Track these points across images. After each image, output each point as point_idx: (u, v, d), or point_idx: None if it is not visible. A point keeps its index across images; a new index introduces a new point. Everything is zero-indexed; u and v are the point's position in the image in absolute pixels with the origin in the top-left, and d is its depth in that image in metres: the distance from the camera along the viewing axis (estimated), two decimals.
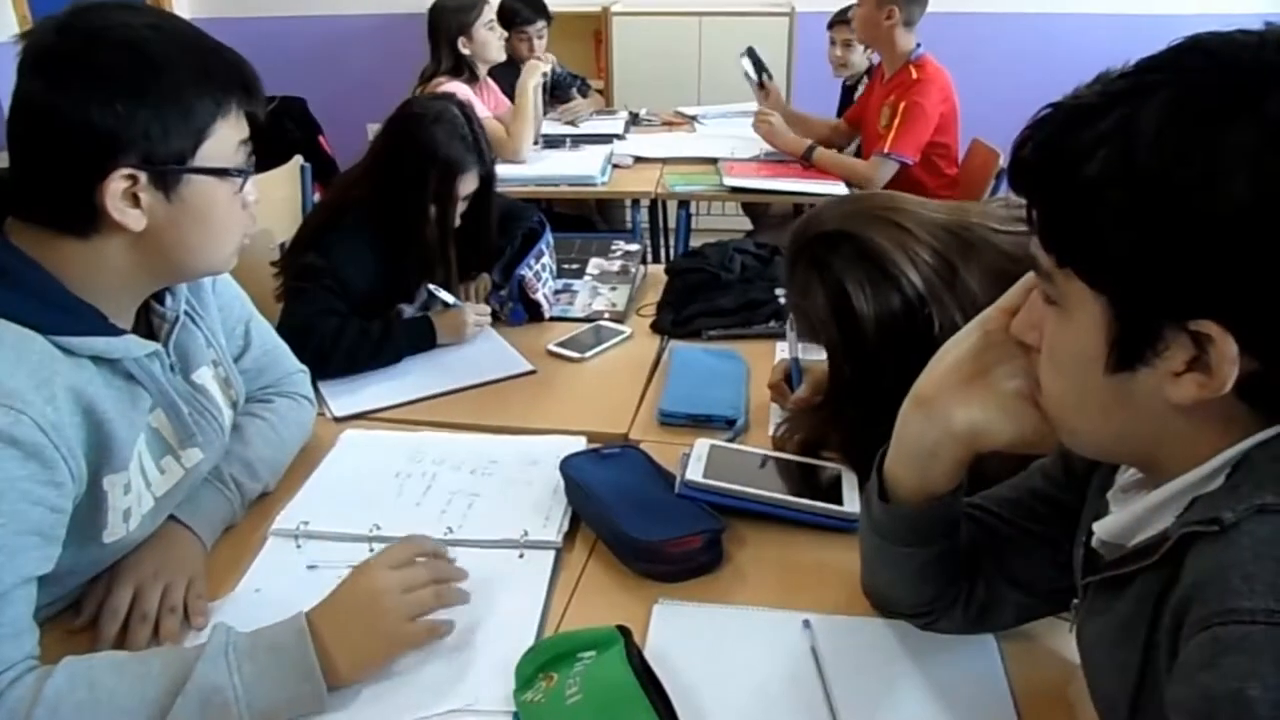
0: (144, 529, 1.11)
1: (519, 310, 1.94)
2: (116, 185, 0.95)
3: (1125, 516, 0.77)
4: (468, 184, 1.87)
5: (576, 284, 2.15)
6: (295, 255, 1.85)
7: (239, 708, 0.90)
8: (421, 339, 1.83)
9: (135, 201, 0.98)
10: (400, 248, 1.84)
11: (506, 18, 3.79)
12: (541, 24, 3.93)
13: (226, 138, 1.03)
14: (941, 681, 1.01)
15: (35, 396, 0.91)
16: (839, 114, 4.00)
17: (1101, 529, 0.79)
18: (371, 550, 1.20)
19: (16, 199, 0.98)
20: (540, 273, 1.98)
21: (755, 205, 3.65)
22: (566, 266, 2.24)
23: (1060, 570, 0.94)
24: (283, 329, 1.52)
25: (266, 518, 1.27)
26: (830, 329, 1.23)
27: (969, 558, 1.01)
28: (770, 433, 1.47)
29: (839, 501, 1.26)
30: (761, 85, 3.59)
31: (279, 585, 1.15)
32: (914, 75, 3.18)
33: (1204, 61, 0.64)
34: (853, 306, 1.18)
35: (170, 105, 0.97)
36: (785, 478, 1.32)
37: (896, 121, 3.13)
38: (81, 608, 1.09)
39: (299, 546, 1.22)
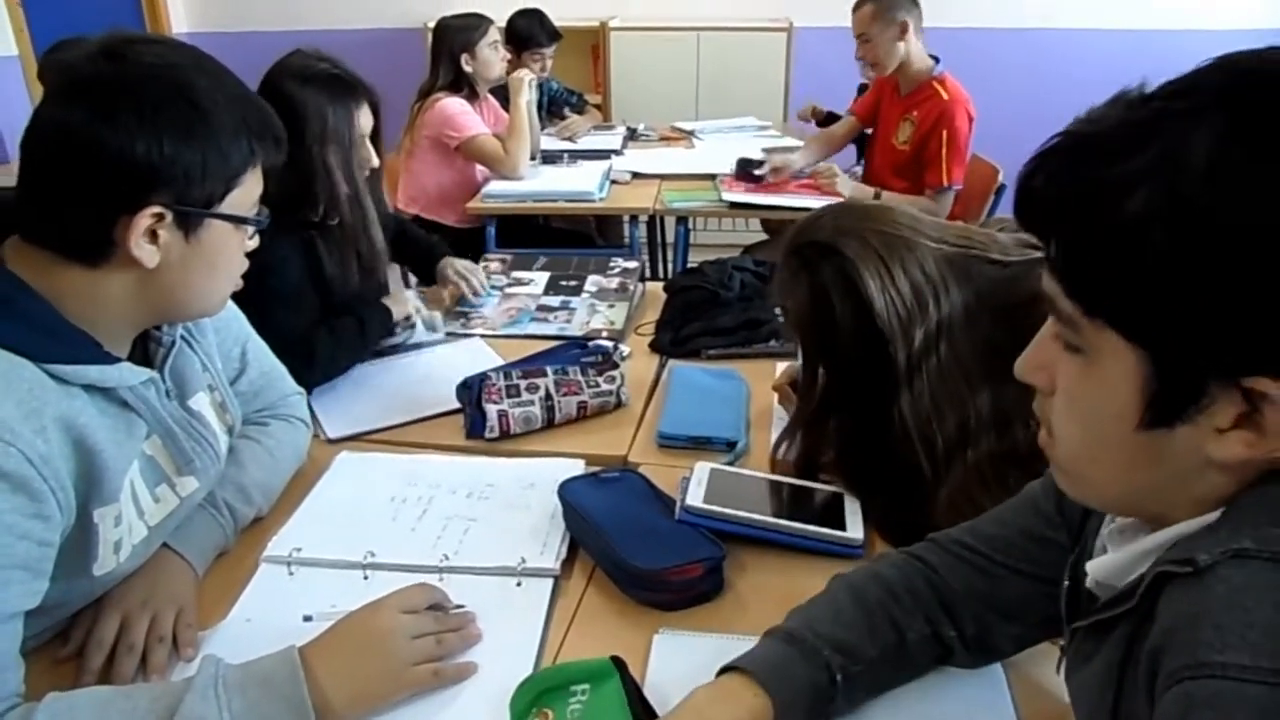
0: (135, 560, 1.08)
1: (477, 419, 1.54)
2: (143, 221, 0.95)
3: (1122, 557, 0.72)
4: (364, 122, 1.80)
5: (574, 301, 2.14)
6: None
7: None
8: (384, 324, 1.86)
9: (154, 238, 0.97)
10: (326, 232, 1.78)
11: (520, 41, 3.82)
12: (554, 47, 3.94)
13: (251, 187, 1.05)
14: (948, 711, 0.99)
15: (24, 427, 0.89)
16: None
17: (1095, 569, 0.75)
18: (366, 578, 1.18)
19: (24, 220, 0.97)
20: (516, 389, 1.56)
21: (771, 221, 3.60)
22: (564, 284, 2.23)
23: (1054, 602, 0.92)
24: (277, 346, 1.50)
25: (259, 543, 1.25)
26: (806, 333, 1.27)
27: (957, 598, 0.99)
28: (770, 454, 1.45)
29: (841, 526, 1.24)
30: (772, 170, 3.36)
31: (271, 614, 1.12)
32: (944, 95, 3.12)
33: (1259, 85, 0.57)
34: (829, 317, 1.21)
35: (212, 149, 0.98)
36: (786, 502, 1.30)
37: (945, 152, 3.08)
38: (68, 637, 1.07)
39: (291, 574, 1.20)
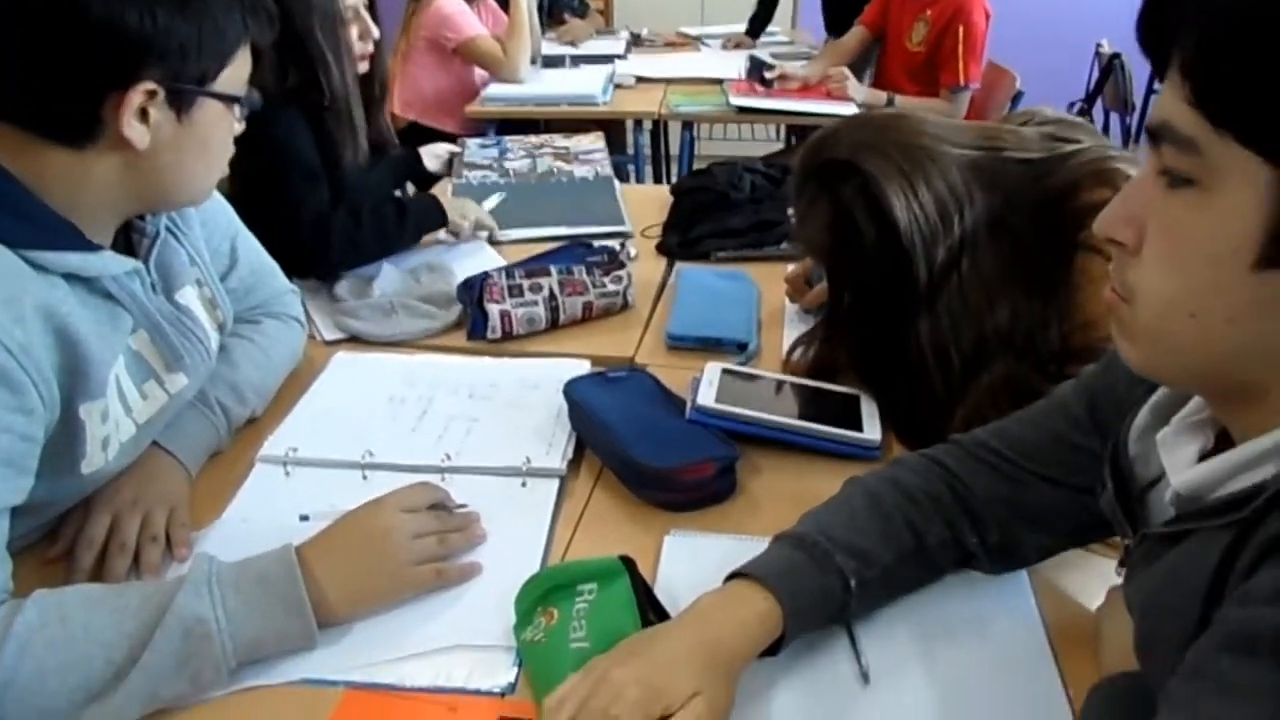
0: (124, 458, 1.04)
1: (478, 319, 1.49)
2: (135, 99, 0.89)
3: (1221, 465, 0.64)
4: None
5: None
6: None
7: (222, 640, 0.84)
8: (431, 217, 1.79)
9: (144, 117, 0.91)
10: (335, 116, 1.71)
11: None
12: None
13: (242, 65, 0.99)
14: (970, 616, 0.96)
15: (3, 316, 0.83)
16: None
17: (1183, 482, 0.67)
18: (365, 478, 1.14)
19: (1, 99, 0.90)
20: (519, 288, 1.50)
21: (796, 126, 3.46)
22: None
23: (1083, 510, 0.87)
24: (291, 225, 1.46)
25: (253, 444, 1.20)
26: (829, 256, 1.21)
27: (981, 505, 0.94)
28: (783, 356, 1.41)
29: (858, 427, 1.20)
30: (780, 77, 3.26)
31: (267, 514, 1.08)
32: None
33: None
34: (852, 238, 1.14)
35: (208, 22, 0.92)
36: (801, 403, 1.25)
37: (962, 49, 2.98)
38: (58, 536, 1.03)
39: (287, 474, 1.16)
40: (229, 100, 0.99)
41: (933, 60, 3.06)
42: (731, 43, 3.98)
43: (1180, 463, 0.69)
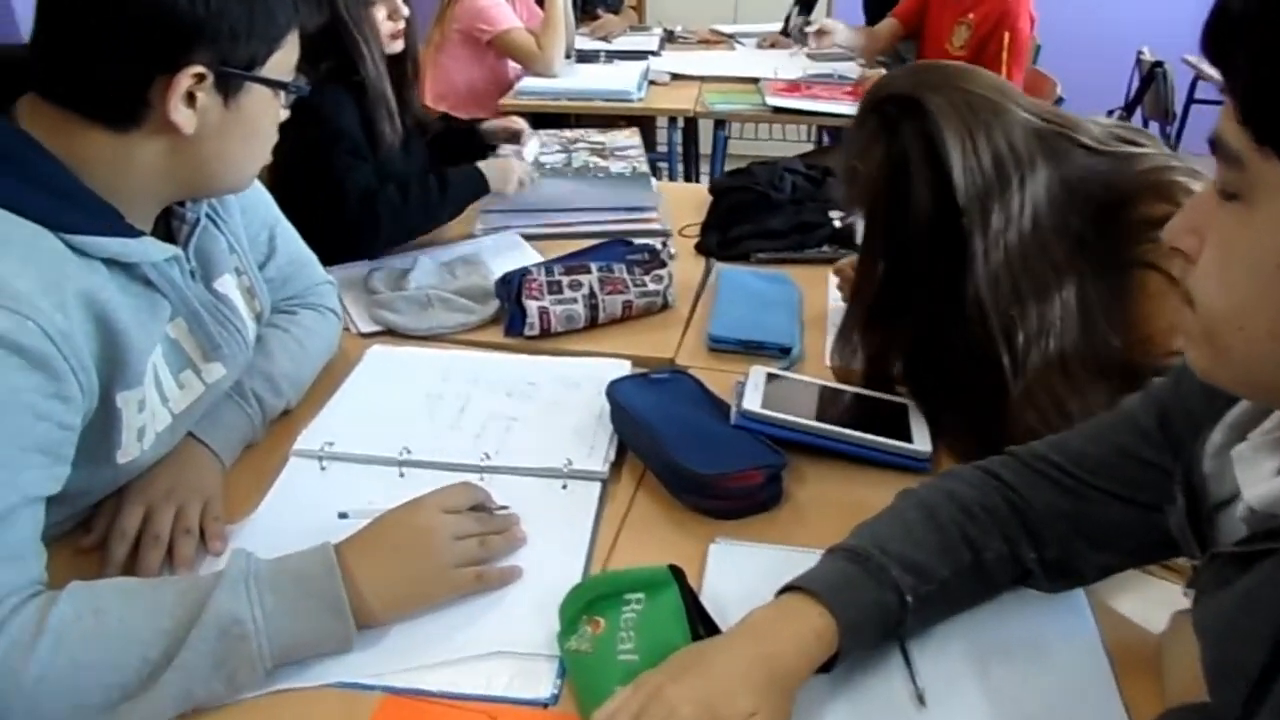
0: (160, 448, 1.02)
1: (516, 316, 1.46)
2: (183, 82, 0.87)
3: None
4: None
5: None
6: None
7: (259, 640, 0.82)
8: (474, 188, 1.79)
9: (191, 101, 0.89)
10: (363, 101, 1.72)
11: None
12: None
13: (290, 50, 0.97)
14: (1027, 636, 0.92)
15: (44, 301, 0.81)
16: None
17: (1257, 496, 0.65)
18: (402, 475, 1.12)
19: (45, 78, 0.88)
20: (558, 285, 1.47)
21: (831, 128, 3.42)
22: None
23: (1151, 528, 0.84)
24: (337, 202, 1.50)
25: (288, 436, 1.18)
26: (876, 198, 1.16)
27: (1039, 520, 0.90)
28: (827, 363, 1.37)
29: (906, 437, 1.16)
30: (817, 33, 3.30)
31: (302, 510, 1.06)
32: None
33: None
34: (904, 183, 1.10)
35: (260, 5, 0.90)
36: (848, 411, 1.22)
37: (1006, 56, 2.93)
38: (91, 527, 1.01)
39: (323, 468, 1.13)
40: (276, 86, 0.97)
41: (976, 64, 3.00)
42: (767, 41, 3.95)
43: (1256, 478, 0.67)
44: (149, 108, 0.88)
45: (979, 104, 1.09)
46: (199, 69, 0.87)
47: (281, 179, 1.27)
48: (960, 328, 1.11)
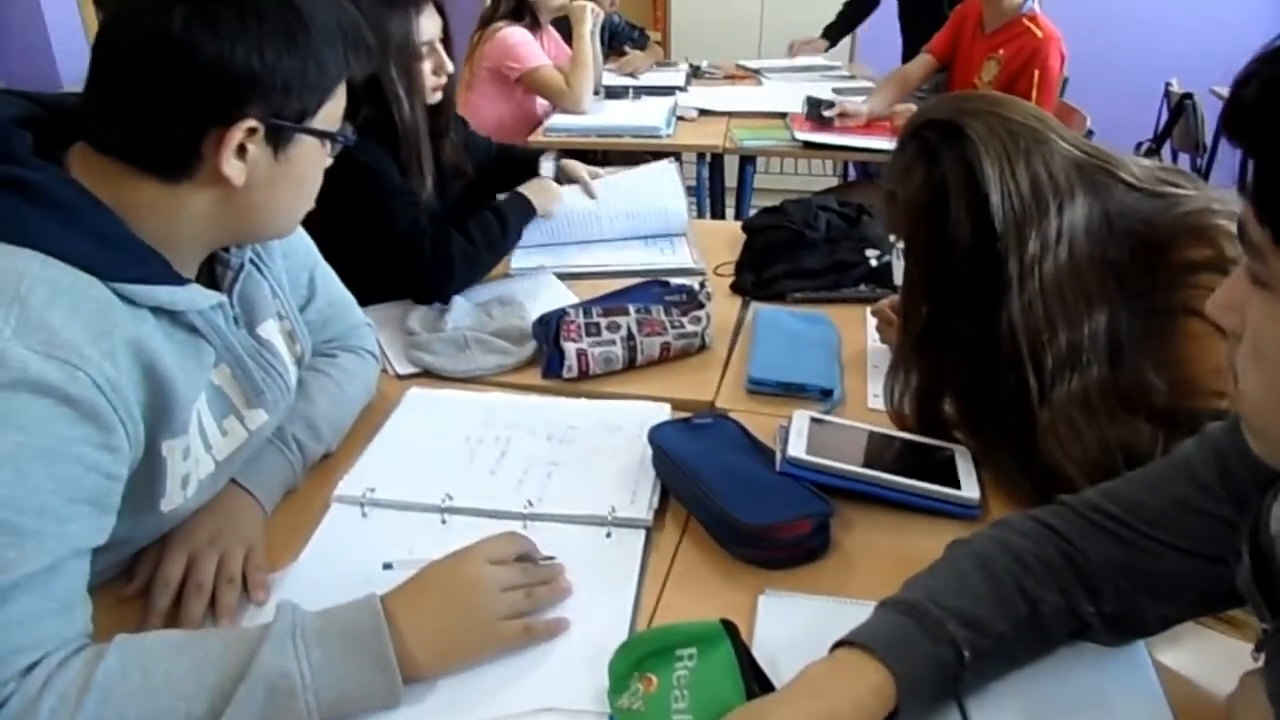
0: (202, 496, 1.01)
1: (554, 358, 1.46)
2: (236, 135, 0.87)
3: None
4: (428, 27, 1.72)
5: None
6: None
7: (306, 696, 0.80)
8: (525, 215, 1.83)
9: (241, 154, 0.89)
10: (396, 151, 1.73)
11: None
12: None
13: (339, 100, 0.98)
14: (1087, 692, 0.89)
15: (93, 350, 0.81)
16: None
17: None
18: (444, 522, 1.11)
19: (97, 129, 0.88)
20: (596, 327, 1.47)
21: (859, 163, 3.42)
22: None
23: (1215, 580, 0.81)
24: (413, 253, 1.59)
25: (327, 481, 1.18)
26: (918, 224, 1.16)
27: (1096, 572, 0.88)
28: (870, 405, 1.36)
29: (955, 484, 1.14)
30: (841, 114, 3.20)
31: (345, 558, 1.05)
32: (1037, 33, 2.95)
33: None
34: (944, 208, 1.10)
35: (312, 59, 0.90)
36: (895, 456, 1.20)
37: (1036, 93, 2.92)
38: (133, 574, 1.00)
39: (364, 515, 1.12)
40: (325, 136, 0.97)
41: None
42: (796, 48, 3.95)
43: None
44: (201, 160, 0.88)
45: (1019, 131, 1.09)
46: (252, 122, 0.88)
47: (332, 228, 1.27)
48: (999, 357, 1.10)
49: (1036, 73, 2.92)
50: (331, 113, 0.97)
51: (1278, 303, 0.58)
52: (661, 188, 2.08)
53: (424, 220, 1.68)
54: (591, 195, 2.02)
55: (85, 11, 4.22)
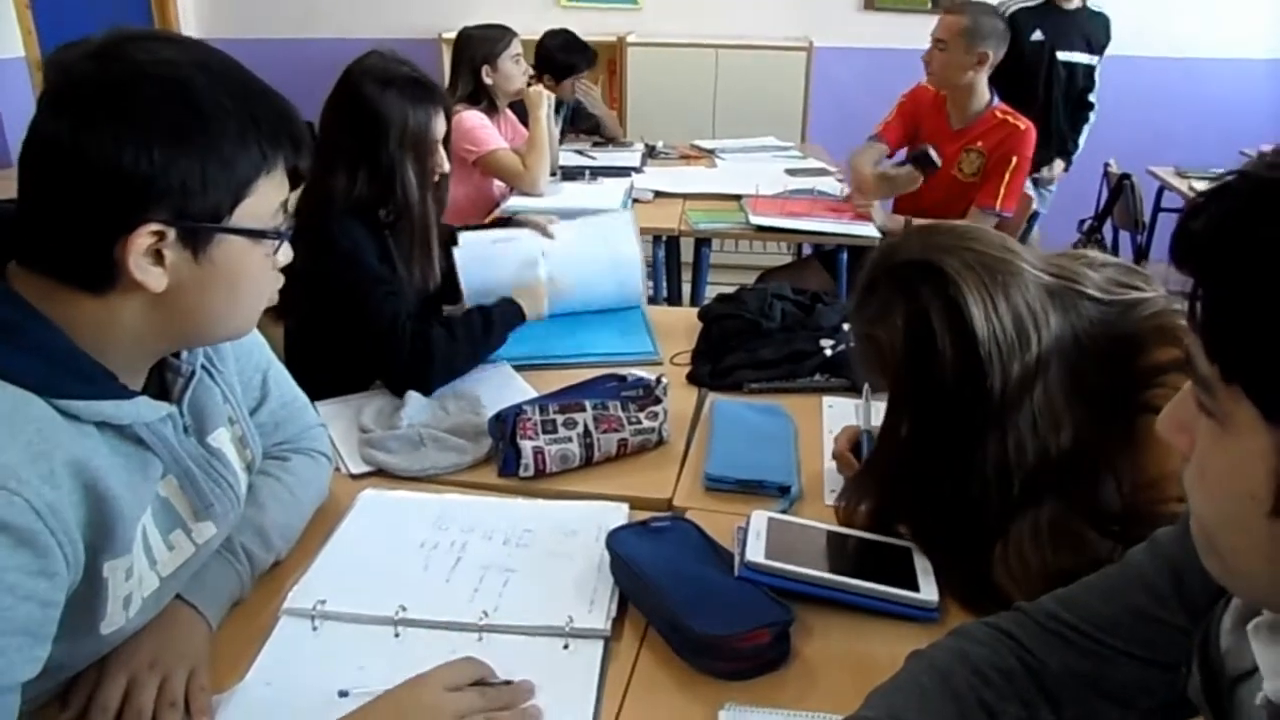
0: (145, 615, 0.98)
1: (510, 456, 1.44)
2: (141, 241, 0.84)
3: None
4: (439, 127, 1.82)
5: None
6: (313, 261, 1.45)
7: None
8: (513, 319, 1.83)
9: (159, 259, 0.86)
10: (396, 233, 1.81)
11: (563, 69, 3.87)
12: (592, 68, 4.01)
13: (267, 196, 0.92)
14: None
15: (31, 473, 0.78)
16: None
17: (1277, 690, 0.63)
18: (398, 635, 1.08)
19: (23, 242, 0.86)
20: (552, 424, 1.46)
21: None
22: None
23: (1171, 686, 0.81)
24: (392, 345, 1.61)
25: (277, 592, 1.14)
26: (901, 365, 1.14)
27: (1055, 681, 0.88)
28: (828, 502, 1.36)
29: (913, 585, 1.14)
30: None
31: (294, 678, 1.02)
32: (1019, 125, 3.04)
33: None
34: (929, 346, 1.09)
35: (213, 156, 0.86)
36: (853, 557, 1.20)
37: (1009, 178, 3.01)
38: (68, 701, 0.96)
39: (315, 628, 1.09)
40: (250, 235, 0.92)
41: (983, 187, 3.07)
42: None
43: (1276, 663, 0.65)
44: (117, 268, 0.85)
45: (993, 264, 1.09)
46: (156, 226, 0.84)
47: (311, 310, 1.27)
48: (971, 481, 1.11)
49: (1015, 160, 3.01)
50: (259, 208, 0.92)
51: (1226, 436, 0.58)
52: (617, 231, 2.17)
53: (404, 312, 1.69)
54: (548, 235, 2.11)
55: (38, 89, 4.20)
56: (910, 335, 1.10)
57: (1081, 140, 4.11)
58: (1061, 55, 3.91)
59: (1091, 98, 4.03)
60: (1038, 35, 3.86)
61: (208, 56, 0.89)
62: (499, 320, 1.79)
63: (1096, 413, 1.10)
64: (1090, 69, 3.98)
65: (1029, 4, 3.91)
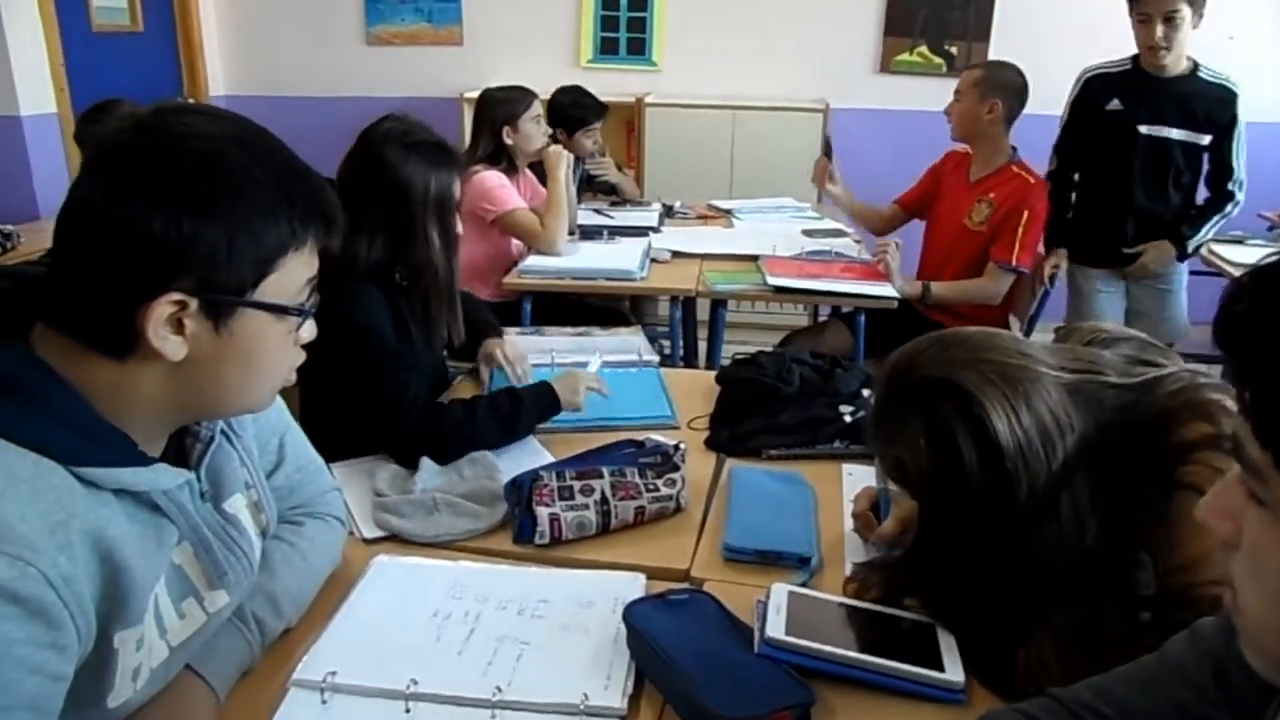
0: (153, 686, 0.96)
1: (526, 523, 1.43)
2: (163, 309, 0.84)
3: None
4: (459, 191, 1.85)
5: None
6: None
7: None
8: (547, 407, 1.77)
9: (179, 328, 0.86)
10: (410, 296, 1.81)
11: (575, 121, 3.90)
12: (602, 121, 4.03)
13: (294, 272, 0.93)
14: None
15: (48, 544, 0.77)
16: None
17: None
18: (408, 711, 1.05)
19: (51, 304, 0.87)
20: (569, 490, 1.44)
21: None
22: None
23: None
24: (398, 416, 1.59)
25: (287, 661, 1.12)
26: (928, 481, 1.12)
27: None
28: (848, 571, 1.33)
29: (938, 664, 1.11)
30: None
31: None
32: (1030, 180, 3.11)
33: None
34: (953, 460, 1.06)
35: (241, 229, 0.87)
36: (875, 633, 1.16)
37: (1021, 232, 3.06)
38: None
39: (324, 701, 1.07)
40: (273, 310, 0.92)
41: (992, 239, 3.13)
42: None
43: None
44: (138, 335, 0.85)
45: (1013, 374, 1.06)
46: (178, 295, 0.85)
47: (322, 376, 1.28)
48: (1003, 578, 1.09)
49: (1026, 214, 3.06)
50: (284, 284, 0.92)
51: (1278, 523, 0.56)
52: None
53: (414, 387, 1.68)
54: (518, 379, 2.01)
55: (69, 149, 4.27)
56: (935, 453, 1.08)
57: (1206, 230, 3.22)
58: (1144, 130, 3.12)
59: (1230, 186, 3.16)
60: (1115, 104, 3.17)
61: (246, 132, 0.91)
62: (530, 406, 1.75)
63: (1129, 501, 1.08)
64: (1194, 148, 3.13)
65: (1110, 70, 3.20)
